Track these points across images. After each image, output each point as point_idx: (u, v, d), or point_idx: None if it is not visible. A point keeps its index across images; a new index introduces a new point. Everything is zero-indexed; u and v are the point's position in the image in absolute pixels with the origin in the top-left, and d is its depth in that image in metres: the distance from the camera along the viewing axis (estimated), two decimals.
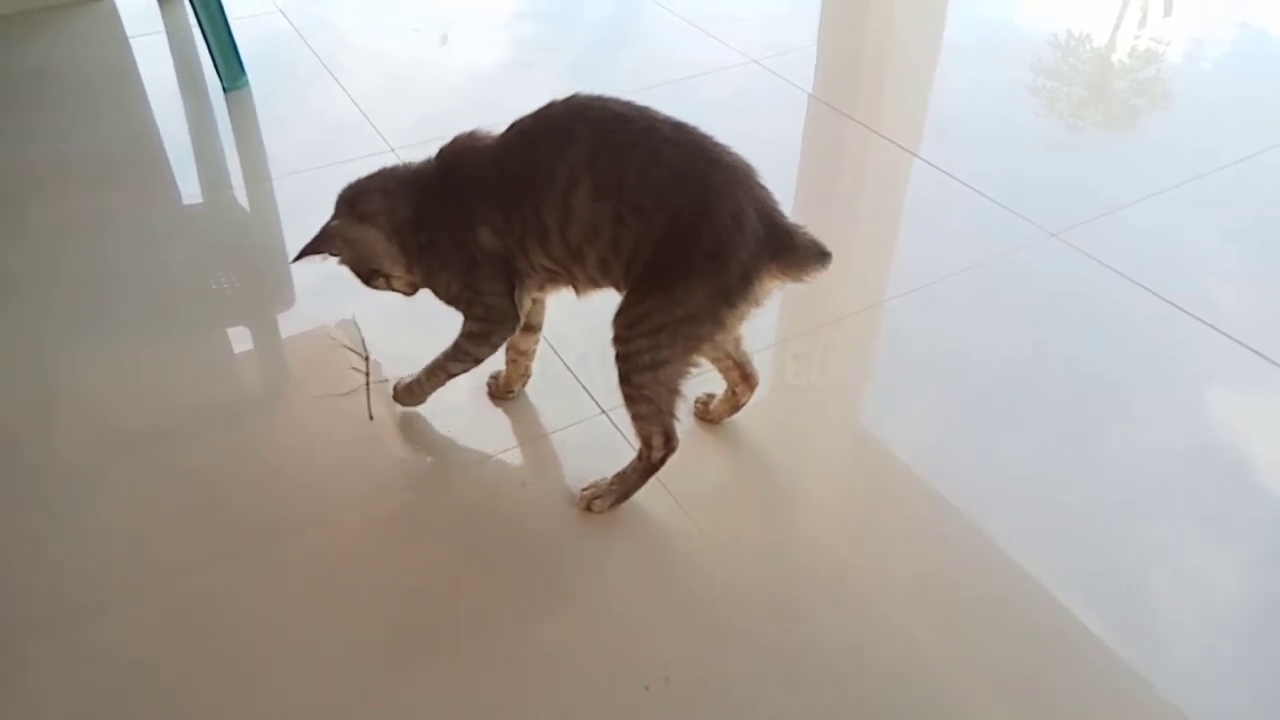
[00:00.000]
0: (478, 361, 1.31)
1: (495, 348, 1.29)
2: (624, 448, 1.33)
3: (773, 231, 1.11)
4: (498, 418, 1.43)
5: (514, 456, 1.38)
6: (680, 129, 1.12)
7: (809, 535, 1.29)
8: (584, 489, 1.28)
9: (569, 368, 1.49)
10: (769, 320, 1.53)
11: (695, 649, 1.14)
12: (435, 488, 1.35)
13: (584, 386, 1.46)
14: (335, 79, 2.29)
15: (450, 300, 1.26)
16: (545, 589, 1.21)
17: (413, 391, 1.37)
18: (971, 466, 1.37)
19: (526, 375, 1.44)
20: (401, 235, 1.23)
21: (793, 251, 1.12)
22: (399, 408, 1.42)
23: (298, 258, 1.26)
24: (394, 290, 1.30)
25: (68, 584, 1.21)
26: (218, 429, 1.44)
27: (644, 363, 1.15)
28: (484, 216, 1.18)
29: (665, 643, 1.14)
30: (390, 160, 1.92)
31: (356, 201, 1.24)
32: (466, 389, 1.41)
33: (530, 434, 1.41)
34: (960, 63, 2.49)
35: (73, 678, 1.12)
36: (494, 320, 1.24)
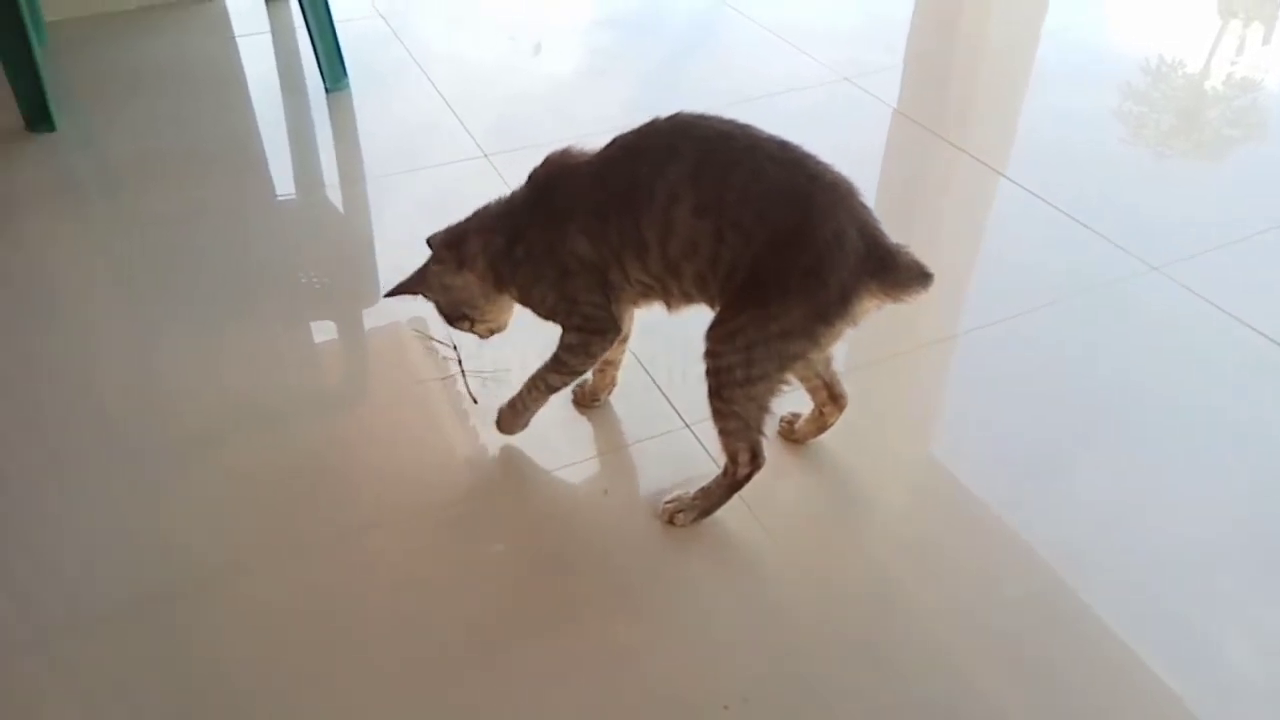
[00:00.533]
0: (576, 374, 1.31)
1: (594, 359, 1.29)
2: (706, 462, 1.34)
3: (874, 250, 1.11)
4: (582, 425, 1.44)
5: (596, 465, 1.40)
6: (784, 147, 1.13)
7: (885, 560, 1.28)
8: (666, 501, 1.29)
9: (654, 380, 1.50)
10: (856, 342, 1.51)
11: (773, 670, 1.14)
12: (516, 491, 1.36)
13: (668, 399, 1.47)
14: (432, 83, 2.32)
15: (547, 314, 1.27)
16: (623, 599, 1.22)
17: (516, 410, 1.34)
18: (1048, 499, 1.35)
19: (613, 385, 1.45)
20: (496, 267, 1.26)
21: (894, 271, 1.11)
22: (500, 434, 1.38)
23: (392, 294, 1.31)
24: (474, 333, 1.34)
25: (146, 569, 1.24)
26: (296, 424, 1.47)
27: (736, 378, 1.16)
28: (581, 227, 1.19)
29: (744, 661, 1.15)
30: (482, 166, 1.96)
31: (454, 245, 1.27)
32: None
33: (613, 443, 1.43)
34: (1050, 84, 2.45)
35: (141, 663, 1.14)
36: (591, 330, 1.25)
